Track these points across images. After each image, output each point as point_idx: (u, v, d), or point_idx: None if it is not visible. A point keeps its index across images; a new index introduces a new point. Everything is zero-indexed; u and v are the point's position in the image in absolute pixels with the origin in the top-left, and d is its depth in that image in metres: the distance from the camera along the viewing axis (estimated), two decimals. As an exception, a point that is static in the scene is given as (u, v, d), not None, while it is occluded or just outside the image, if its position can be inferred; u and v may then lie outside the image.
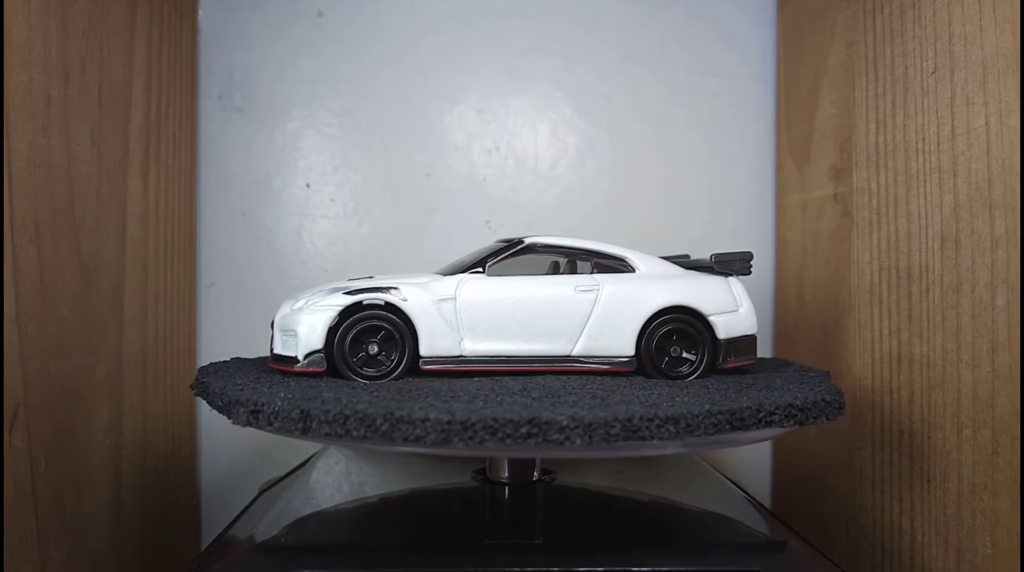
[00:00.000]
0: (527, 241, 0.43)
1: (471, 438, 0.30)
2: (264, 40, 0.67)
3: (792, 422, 0.34)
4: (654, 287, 0.42)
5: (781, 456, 0.66)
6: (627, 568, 0.33)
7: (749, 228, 0.68)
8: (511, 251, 0.43)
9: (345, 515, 0.42)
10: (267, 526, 0.39)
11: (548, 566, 0.33)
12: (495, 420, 0.30)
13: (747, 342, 0.43)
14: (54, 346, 0.44)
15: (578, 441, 0.30)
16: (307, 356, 0.39)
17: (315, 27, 0.67)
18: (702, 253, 0.46)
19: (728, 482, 0.49)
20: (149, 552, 0.57)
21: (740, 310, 0.43)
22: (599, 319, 0.41)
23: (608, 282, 0.42)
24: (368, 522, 0.41)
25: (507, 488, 0.39)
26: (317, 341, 0.39)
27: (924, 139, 0.44)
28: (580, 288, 0.42)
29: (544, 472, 0.40)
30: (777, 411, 0.34)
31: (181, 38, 0.62)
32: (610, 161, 0.68)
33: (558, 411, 0.31)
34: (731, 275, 0.44)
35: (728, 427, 0.32)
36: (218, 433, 0.66)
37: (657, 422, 0.31)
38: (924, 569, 0.44)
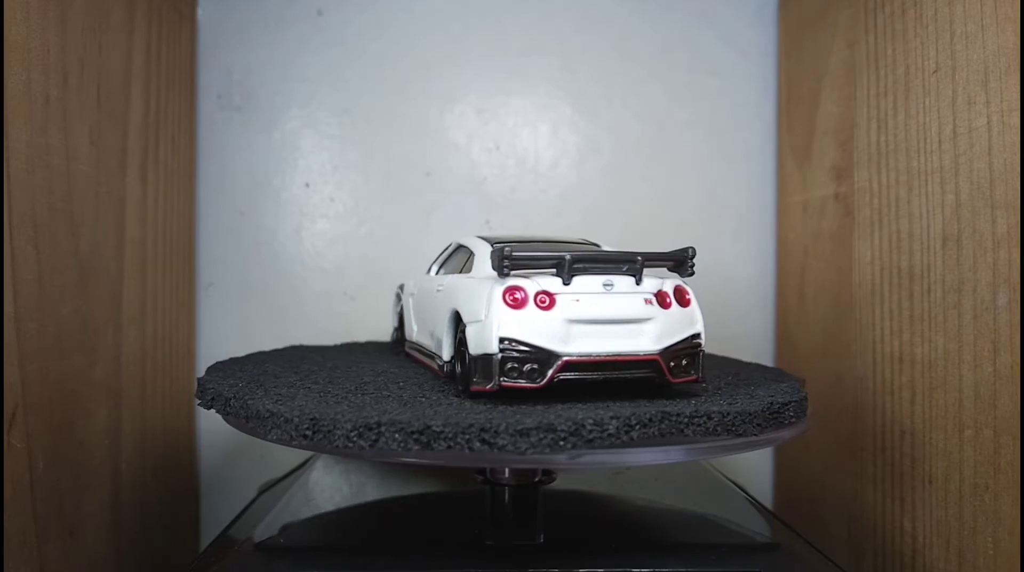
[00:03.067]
0: (454, 243, 0.46)
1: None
2: (264, 39, 0.67)
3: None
4: (458, 289, 0.38)
5: (782, 457, 0.66)
6: (628, 569, 0.33)
7: (750, 228, 0.68)
8: (447, 252, 0.47)
9: (344, 516, 0.42)
10: (266, 527, 0.39)
11: (549, 567, 0.33)
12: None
13: (485, 363, 0.32)
14: (53, 346, 0.44)
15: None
16: (393, 331, 0.53)
17: (315, 26, 0.67)
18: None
19: (729, 483, 0.49)
20: (148, 552, 0.56)
21: (485, 321, 0.33)
22: (439, 320, 0.40)
23: (447, 283, 0.40)
24: (367, 523, 0.41)
25: (508, 489, 0.38)
26: (394, 320, 0.53)
27: (925, 138, 0.44)
28: (438, 288, 0.41)
29: (544, 473, 0.40)
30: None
31: (180, 37, 0.62)
32: (610, 161, 0.68)
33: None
34: (507, 275, 0.34)
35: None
36: (218, 433, 0.66)
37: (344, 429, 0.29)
38: (925, 570, 0.44)
